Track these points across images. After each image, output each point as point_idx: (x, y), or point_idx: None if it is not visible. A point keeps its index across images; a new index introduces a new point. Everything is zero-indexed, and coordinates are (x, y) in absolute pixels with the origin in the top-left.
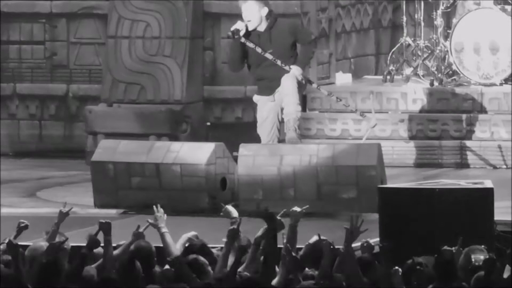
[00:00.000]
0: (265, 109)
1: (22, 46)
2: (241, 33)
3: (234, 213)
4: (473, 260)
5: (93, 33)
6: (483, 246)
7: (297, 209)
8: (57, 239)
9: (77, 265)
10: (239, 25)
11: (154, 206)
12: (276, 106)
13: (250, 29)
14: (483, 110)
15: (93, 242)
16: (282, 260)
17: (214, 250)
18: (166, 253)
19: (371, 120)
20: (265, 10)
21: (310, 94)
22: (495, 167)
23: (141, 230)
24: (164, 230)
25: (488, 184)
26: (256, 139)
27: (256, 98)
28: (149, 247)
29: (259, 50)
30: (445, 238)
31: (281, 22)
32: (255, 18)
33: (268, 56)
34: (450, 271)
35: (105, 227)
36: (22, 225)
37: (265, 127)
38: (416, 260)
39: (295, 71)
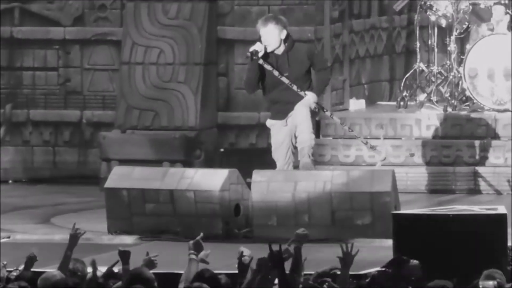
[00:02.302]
0: (281, 133)
1: (36, 73)
2: (260, 55)
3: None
4: (480, 287)
5: (107, 59)
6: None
7: (300, 232)
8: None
9: None
10: (258, 47)
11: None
12: (290, 130)
13: (268, 51)
14: (497, 136)
15: (110, 273)
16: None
17: (225, 277)
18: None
19: (381, 153)
20: (284, 33)
21: (324, 120)
22: (508, 193)
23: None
24: (193, 256)
25: (501, 210)
26: (270, 165)
27: (269, 122)
28: (148, 274)
29: (276, 73)
30: (459, 264)
31: (299, 46)
32: (275, 41)
33: (285, 80)
34: None
35: (124, 256)
36: (32, 255)
37: (281, 151)
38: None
39: (310, 97)
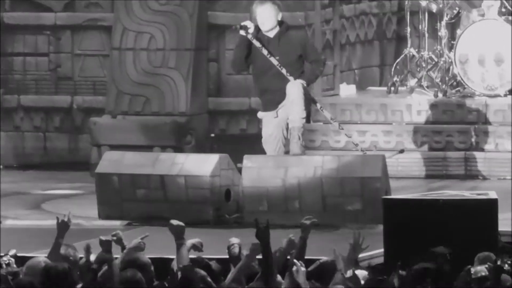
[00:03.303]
0: (270, 125)
1: (27, 58)
2: (250, 31)
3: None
4: (472, 272)
5: (98, 45)
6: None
7: (306, 221)
8: (63, 252)
9: (90, 281)
10: (248, 23)
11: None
12: (281, 122)
13: (263, 30)
14: (487, 122)
15: (103, 258)
16: (289, 273)
17: (215, 263)
18: (179, 263)
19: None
20: (280, 15)
21: (315, 106)
22: (499, 179)
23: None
24: (182, 241)
25: (492, 195)
26: (261, 151)
27: (260, 114)
28: (144, 259)
29: (265, 52)
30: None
31: (293, 33)
32: (271, 21)
33: (274, 61)
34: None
35: (106, 245)
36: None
37: (270, 143)
38: (424, 266)
39: (299, 81)
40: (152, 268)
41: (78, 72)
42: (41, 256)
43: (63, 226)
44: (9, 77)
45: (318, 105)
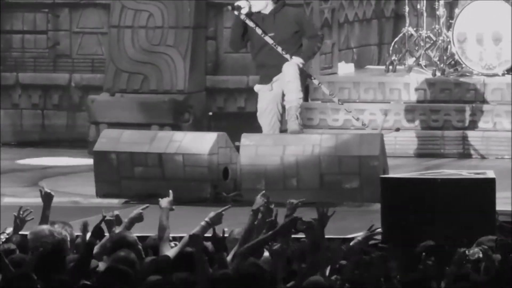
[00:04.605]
0: (265, 99)
1: (25, 36)
2: (243, 11)
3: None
4: (468, 254)
5: (96, 22)
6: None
7: (293, 201)
8: (59, 228)
9: (85, 255)
10: (242, 3)
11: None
12: (276, 96)
13: (254, 10)
14: (485, 101)
15: (98, 230)
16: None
17: (210, 245)
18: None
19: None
20: None
21: (313, 84)
22: (497, 158)
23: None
24: (203, 223)
25: (490, 174)
26: (259, 129)
27: (257, 87)
28: (131, 237)
29: (259, 31)
30: (446, 228)
31: (288, 9)
32: (261, 1)
33: (268, 39)
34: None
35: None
36: (27, 217)
37: (265, 117)
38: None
39: (296, 60)
40: (140, 246)
41: (77, 50)
42: (44, 225)
43: (47, 198)
44: (7, 55)
45: (316, 81)
